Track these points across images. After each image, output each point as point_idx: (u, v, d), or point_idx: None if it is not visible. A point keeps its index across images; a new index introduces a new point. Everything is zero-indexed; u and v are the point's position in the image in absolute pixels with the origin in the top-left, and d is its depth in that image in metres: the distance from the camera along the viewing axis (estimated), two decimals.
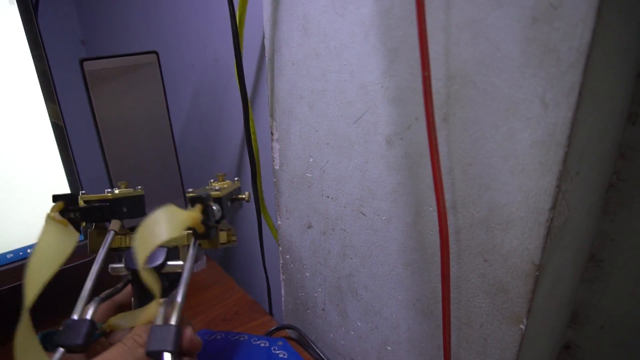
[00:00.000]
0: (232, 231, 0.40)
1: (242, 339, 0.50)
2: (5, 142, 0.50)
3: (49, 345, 0.29)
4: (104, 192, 0.39)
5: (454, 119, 0.30)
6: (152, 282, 0.30)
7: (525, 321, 0.31)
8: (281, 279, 0.55)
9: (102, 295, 0.33)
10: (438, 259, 0.35)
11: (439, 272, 0.35)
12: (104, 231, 0.38)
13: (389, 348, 0.43)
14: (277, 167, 0.49)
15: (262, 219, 0.57)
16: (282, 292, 0.56)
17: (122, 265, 0.34)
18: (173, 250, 0.36)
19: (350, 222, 0.42)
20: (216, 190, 0.37)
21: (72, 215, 0.35)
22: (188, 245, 0.36)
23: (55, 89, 0.51)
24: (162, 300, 0.31)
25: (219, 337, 0.50)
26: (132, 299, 0.36)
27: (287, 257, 0.52)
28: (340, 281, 0.46)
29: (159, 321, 0.30)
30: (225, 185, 0.40)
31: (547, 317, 0.35)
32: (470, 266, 0.33)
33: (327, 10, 0.36)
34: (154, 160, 0.62)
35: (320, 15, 0.37)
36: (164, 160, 0.63)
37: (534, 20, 0.25)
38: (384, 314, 0.42)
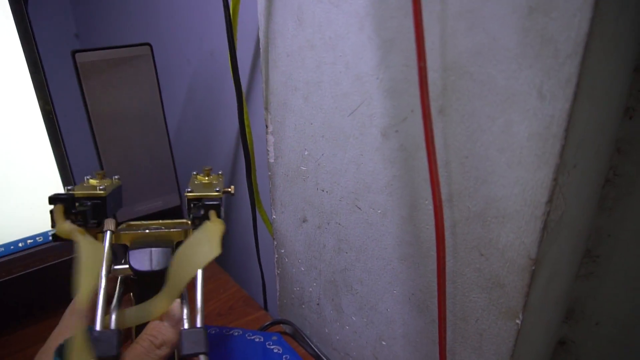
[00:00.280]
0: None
1: (236, 333, 0.50)
2: None
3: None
4: (86, 184, 0.37)
5: (450, 111, 0.30)
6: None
7: (521, 316, 0.30)
8: (276, 273, 0.55)
9: (114, 302, 0.32)
10: (434, 253, 0.34)
11: (434, 266, 0.35)
12: (94, 231, 0.36)
13: (384, 343, 0.43)
14: (271, 161, 0.48)
15: (257, 213, 0.57)
16: (277, 286, 0.56)
17: (126, 266, 0.33)
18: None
19: (345, 215, 0.41)
20: (217, 191, 0.37)
21: (72, 218, 0.34)
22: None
23: (46, 81, 0.51)
24: (177, 300, 0.32)
25: (212, 332, 0.50)
26: (132, 296, 0.35)
27: (282, 251, 0.52)
28: (335, 275, 0.45)
29: (186, 324, 0.32)
30: (215, 182, 0.39)
31: (542, 313, 0.35)
32: (466, 260, 0.32)
33: (322, 0, 0.35)
34: (148, 153, 0.62)
35: (315, 5, 0.36)
36: (158, 153, 0.63)
37: (531, 10, 0.24)
38: (379, 309, 0.42)
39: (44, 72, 0.50)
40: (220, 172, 0.41)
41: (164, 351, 0.31)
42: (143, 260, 0.33)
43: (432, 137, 0.29)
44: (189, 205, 0.36)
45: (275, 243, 0.53)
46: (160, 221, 0.37)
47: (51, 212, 0.34)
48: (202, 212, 0.35)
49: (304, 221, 0.47)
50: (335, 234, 0.43)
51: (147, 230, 0.36)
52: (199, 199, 0.36)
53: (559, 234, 0.30)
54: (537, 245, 0.28)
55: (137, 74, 0.58)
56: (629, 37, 0.30)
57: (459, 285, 0.33)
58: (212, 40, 0.63)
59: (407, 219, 0.35)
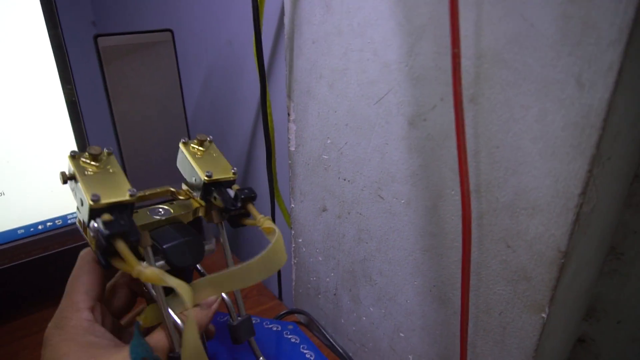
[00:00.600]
0: None
1: (253, 322, 0.50)
2: (19, 118, 0.50)
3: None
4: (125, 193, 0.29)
5: (482, 100, 0.29)
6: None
7: (547, 310, 0.30)
8: (292, 262, 0.55)
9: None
10: (458, 244, 0.34)
11: (458, 257, 0.34)
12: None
13: (402, 335, 0.42)
14: (292, 149, 0.48)
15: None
16: (293, 276, 0.56)
17: (162, 262, 0.32)
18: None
19: (367, 205, 0.41)
20: (233, 172, 0.36)
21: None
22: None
23: (70, 64, 0.51)
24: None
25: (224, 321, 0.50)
26: (152, 290, 0.32)
27: (300, 240, 0.52)
28: (354, 266, 0.45)
29: (234, 316, 0.38)
30: (214, 154, 0.38)
31: (566, 308, 0.34)
32: (491, 252, 0.32)
33: None
34: (166, 139, 0.62)
35: None
36: (176, 140, 0.63)
37: None
38: (398, 300, 0.41)
39: (67, 55, 0.50)
40: (210, 138, 0.38)
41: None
42: (183, 255, 0.32)
43: (463, 126, 0.28)
44: (207, 188, 0.35)
45: (293, 232, 0.53)
46: (163, 206, 0.35)
47: (108, 239, 0.27)
48: (239, 204, 0.35)
49: (323, 210, 0.47)
50: (355, 223, 0.43)
51: (156, 217, 0.34)
52: (218, 183, 0.35)
53: (588, 228, 0.30)
54: (568, 238, 0.28)
55: (157, 59, 0.58)
56: None
57: (483, 277, 0.33)
58: (230, 30, 0.63)
59: (432, 210, 0.35)
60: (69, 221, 0.56)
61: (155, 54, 0.58)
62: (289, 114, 0.46)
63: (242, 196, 0.35)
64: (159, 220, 0.33)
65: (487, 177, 0.30)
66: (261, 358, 0.41)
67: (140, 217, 0.33)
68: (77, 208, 0.30)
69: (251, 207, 0.36)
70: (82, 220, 0.30)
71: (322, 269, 0.50)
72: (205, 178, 0.35)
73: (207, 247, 0.35)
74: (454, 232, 0.34)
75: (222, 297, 0.36)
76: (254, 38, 0.46)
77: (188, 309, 0.29)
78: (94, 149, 0.30)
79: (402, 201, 0.37)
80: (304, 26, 0.41)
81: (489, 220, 0.31)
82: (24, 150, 0.51)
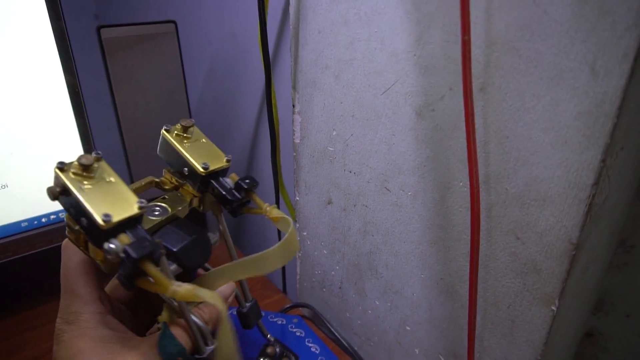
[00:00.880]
0: None
1: None
2: (22, 110, 0.49)
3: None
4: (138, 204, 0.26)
5: (492, 89, 0.29)
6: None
7: (557, 302, 0.30)
8: (297, 256, 0.55)
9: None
10: (466, 236, 0.34)
11: (466, 250, 0.34)
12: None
13: (408, 328, 0.42)
14: (297, 141, 0.47)
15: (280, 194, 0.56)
16: (298, 269, 0.55)
17: (174, 266, 0.30)
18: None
19: (373, 197, 0.40)
20: (227, 161, 0.34)
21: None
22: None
23: (73, 55, 0.50)
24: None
25: (234, 312, 0.50)
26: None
27: (304, 233, 0.52)
28: (359, 259, 0.45)
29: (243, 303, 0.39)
30: (204, 140, 0.35)
31: (575, 301, 0.34)
32: (500, 244, 0.31)
33: None
34: None
35: None
36: None
37: None
38: (404, 293, 0.41)
39: (70, 46, 0.50)
40: (192, 122, 0.35)
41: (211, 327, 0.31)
42: (194, 255, 0.31)
43: (473, 115, 0.28)
44: (204, 180, 0.33)
45: (298, 225, 0.52)
46: (158, 203, 0.33)
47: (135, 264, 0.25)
48: (242, 194, 0.34)
49: (328, 203, 0.46)
50: (361, 216, 0.43)
51: (155, 218, 0.32)
52: (214, 173, 0.33)
53: (600, 220, 0.29)
54: (580, 230, 0.27)
55: (161, 51, 0.57)
56: None
57: (492, 270, 0.33)
58: (233, 21, 0.62)
59: (439, 201, 0.35)
60: None
61: (159, 45, 0.57)
62: (293, 106, 0.46)
63: (245, 186, 0.34)
64: (160, 222, 0.31)
65: (496, 168, 0.30)
66: (269, 335, 0.43)
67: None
68: (69, 220, 0.28)
69: (255, 196, 0.35)
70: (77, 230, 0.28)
71: (327, 262, 0.50)
72: (203, 171, 0.32)
73: (212, 240, 0.34)
74: (461, 224, 0.34)
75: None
76: (259, 28, 0.45)
77: (223, 317, 0.28)
78: (86, 158, 0.26)
79: (409, 193, 0.37)
80: (310, 15, 0.40)
81: (498, 211, 0.31)
82: (27, 142, 0.50)
